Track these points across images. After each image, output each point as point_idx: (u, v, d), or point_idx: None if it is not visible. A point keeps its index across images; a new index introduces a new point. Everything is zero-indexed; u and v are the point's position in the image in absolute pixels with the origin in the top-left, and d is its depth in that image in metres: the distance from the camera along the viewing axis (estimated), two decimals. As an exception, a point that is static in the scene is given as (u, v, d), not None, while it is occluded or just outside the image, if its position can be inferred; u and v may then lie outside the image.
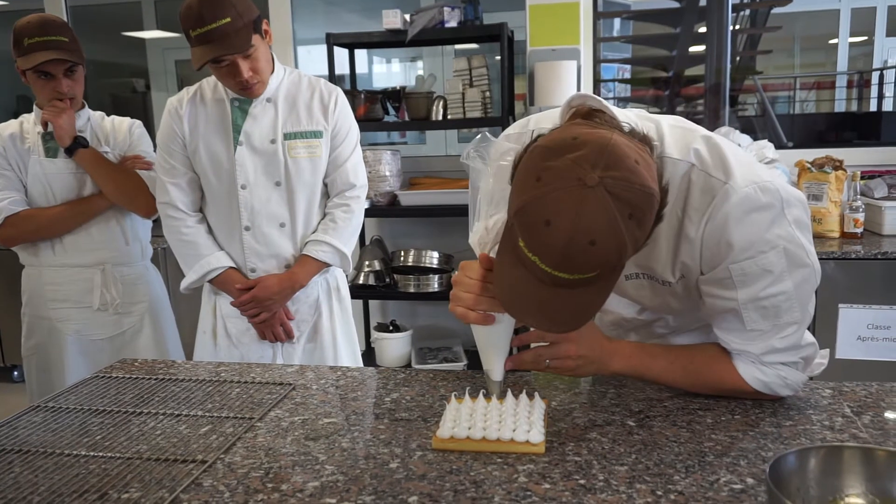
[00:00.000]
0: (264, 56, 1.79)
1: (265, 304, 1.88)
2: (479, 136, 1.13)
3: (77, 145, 2.04)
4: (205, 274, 1.90)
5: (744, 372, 1.13)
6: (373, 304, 3.79)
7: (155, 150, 2.02)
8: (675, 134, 1.09)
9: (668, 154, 1.06)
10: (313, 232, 1.93)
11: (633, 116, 1.08)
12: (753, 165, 1.07)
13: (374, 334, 3.46)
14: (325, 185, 1.95)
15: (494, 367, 1.15)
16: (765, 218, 1.02)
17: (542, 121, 1.18)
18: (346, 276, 2.11)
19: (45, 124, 2.04)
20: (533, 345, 1.18)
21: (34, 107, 2.11)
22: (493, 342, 1.14)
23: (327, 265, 1.93)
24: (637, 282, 1.19)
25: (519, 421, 1.06)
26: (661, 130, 1.08)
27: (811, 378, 1.23)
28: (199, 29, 1.67)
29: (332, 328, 2.01)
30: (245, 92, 1.80)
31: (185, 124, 1.85)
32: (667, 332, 1.31)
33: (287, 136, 1.85)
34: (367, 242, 3.54)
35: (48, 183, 2.05)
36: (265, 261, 1.90)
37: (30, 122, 2.10)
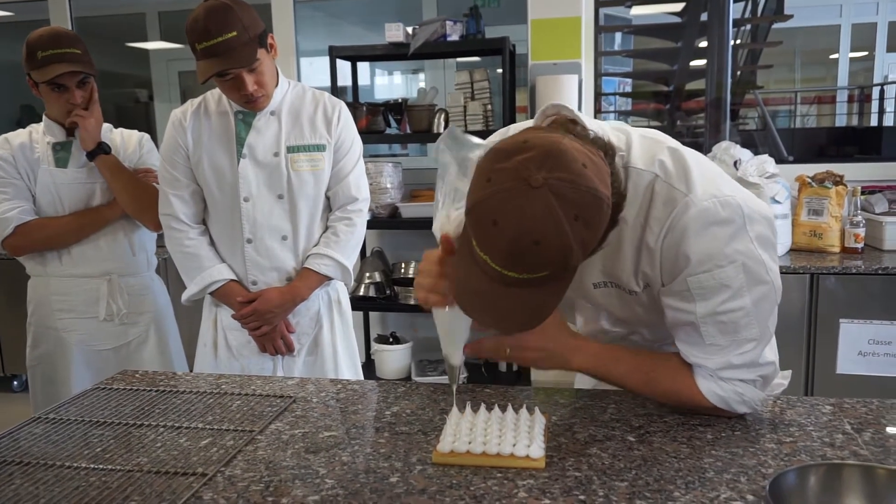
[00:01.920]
0: (269, 70, 1.80)
1: (266, 317, 1.88)
2: (448, 128, 1.14)
3: (100, 150, 2.04)
4: (206, 286, 1.90)
5: (702, 386, 1.14)
6: (373, 315, 3.79)
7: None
8: (643, 145, 1.10)
9: (634, 164, 1.08)
10: (315, 245, 1.94)
11: (606, 127, 1.10)
12: (718, 180, 1.07)
13: (374, 346, 3.46)
14: (328, 198, 1.96)
15: (453, 351, 1.15)
16: (724, 232, 1.03)
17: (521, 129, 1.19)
18: (348, 288, 2.11)
19: (73, 124, 2.03)
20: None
21: (44, 117, 2.11)
22: (453, 326, 1.13)
23: (329, 278, 1.94)
24: (605, 290, 1.20)
25: (519, 435, 1.06)
26: (629, 141, 1.10)
27: (773, 398, 1.24)
28: (205, 42, 1.67)
29: (333, 341, 2.01)
30: (249, 105, 1.81)
31: (189, 136, 1.86)
32: (644, 344, 1.31)
33: (290, 150, 1.86)
34: (368, 254, 3.55)
35: (57, 193, 2.06)
36: (267, 273, 1.90)
37: (38, 133, 2.11)
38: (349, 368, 2.04)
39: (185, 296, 1.93)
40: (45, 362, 2.16)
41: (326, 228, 1.96)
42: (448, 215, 1.11)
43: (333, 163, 1.92)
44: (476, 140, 1.10)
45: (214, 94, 1.90)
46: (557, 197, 0.86)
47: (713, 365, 1.11)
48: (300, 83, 1.97)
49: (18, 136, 2.10)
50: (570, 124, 1.01)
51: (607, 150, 0.98)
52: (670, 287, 1.09)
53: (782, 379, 1.26)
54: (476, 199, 0.90)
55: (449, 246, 1.07)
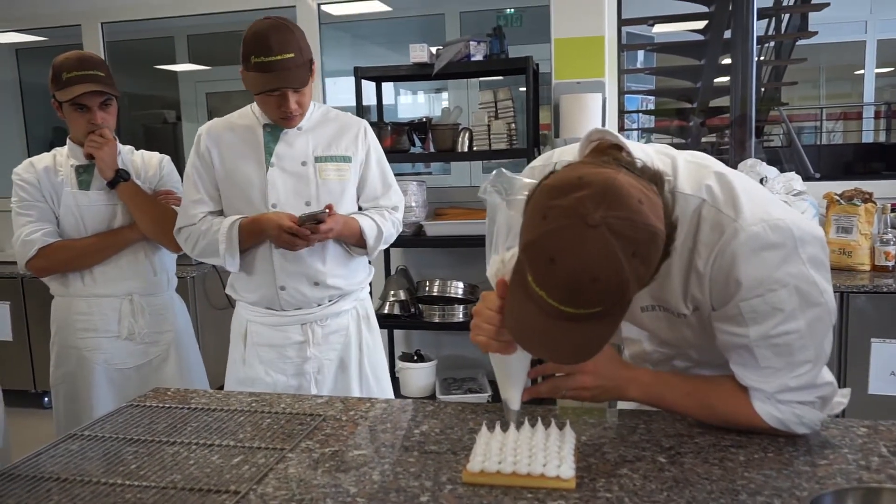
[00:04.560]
0: (309, 92, 1.88)
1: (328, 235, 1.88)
2: (495, 171, 1.15)
3: (119, 179, 2.09)
4: (229, 239, 1.88)
5: (759, 409, 1.13)
6: (397, 333, 3.80)
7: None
8: (689, 169, 1.10)
9: (681, 189, 1.08)
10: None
11: (651, 152, 1.10)
12: (766, 203, 1.07)
13: (399, 364, 3.46)
14: (360, 207, 2.02)
15: (512, 396, 1.18)
16: (775, 256, 1.03)
17: (565, 154, 1.21)
18: (371, 255, 2.09)
19: (89, 156, 2.10)
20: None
21: (68, 140, 2.16)
22: (512, 371, 1.17)
23: (363, 239, 1.96)
24: (653, 314, 1.20)
25: (549, 456, 1.05)
26: (675, 165, 1.10)
27: (835, 416, 1.22)
28: (264, 57, 1.74)
29: (361, 358, 2.02)
30: (284, 122, 1.88)
31: (215, 152, 1.91)
32: (690, 365, 1.30)
33: (318, 160, 1.92)
34: (393, 272, 3.56)
35: (80, 215, 2.10)
36: (294, 278, 1.92)
37: (63, 155, 2.15)
38: (378, 385, 2.05)
39: (231, 266, 1.92)
40: (69, 381, 2.18)
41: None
42: (503, 259, 1.12)
43: (364, 173, 1.99)
44: (526, 180, 1.10)
45: (240, 112, 1.97)
46: (615, 235, 0.86)
47: (770, 388, 1.10)
48: (323, 104, 2.04)
49: (42, 159, 2.15)
50: (615, 151, 1.02)
51: (657, 180, 0.98)
52: (722, 311, 1.09)
53: (842, 398, 1.24)
54: (532, 237, 0.91)
55: (504, 291, 1.07)
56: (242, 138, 1.92)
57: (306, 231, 1.81)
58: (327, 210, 1.85)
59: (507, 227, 1.13)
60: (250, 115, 1.94)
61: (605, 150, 1.02)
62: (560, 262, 0.88)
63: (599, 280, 0.87)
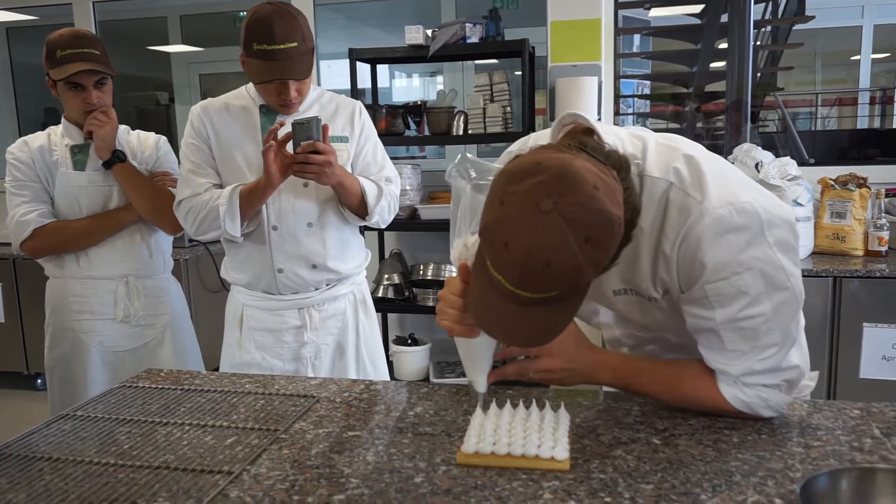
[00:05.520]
0: (309, 80, 1.85)
1: (326, 168, 1.76)
2: (459, 155, 1.16)
3: (115, 159, 2.06)
4: (230, 204, 1.81)
5: (725, 391, 1.13)
6: (391, 317, 3.80)
7: (178, 161, 2.03)
8: (659, 152, 1.10)
9: (649, 172, 1.07)
10: (334, 249, 1.94)
11: (623, 135, 1.10)
12: (735, 186, 1.06)
13: (393, 348, 3.47)
14: None
15: (478, 378, 1.20)
16: (740, 239, 1.02)
17: (541, 139, 1.20)
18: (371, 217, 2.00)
19: (88, 135, 2.06)
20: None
21: (62, 119, 2.13)
22: (478, 355, 1.18)
23: (363, 199, 1.89)
24: (625, 297, 1.20)
25: (544, 437, 1.06)
26: (646, 148, 1.10)
27: (803, 399, 1.24)
28: (266, 45, 1.69)
29: (358, 342, 2.02)
30: (283, 109, 1.85)
31: (211, 131, 1.87)
32: (664, 349, 1.31)
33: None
34: (387, 256, 3.56)
35: (75, 196, 2.07)
36: (292, 260, 1.90)
37: (57, 135, 2.12)
38: (375, 370, 2.05)
39: (231, 229, 1.83)
40: (63, 363, 2.17)
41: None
42: (465, 243, 1.13)
43: (358, 151, 1.96)
44: (492, 165, 1.10)
45: (234, 92, 1.94)
46: (567, 221, 0.87)
47: (735, 371, 1.11)
48: (318, 87, 2.00)
49: (37, 138, 2.12)
50: (585, 135, 1.01)
51: (621, 165, 0.98)
52: (689, 294, 1.09)
53: (809, 381, 1.25)
54: (488, 221, 0.92)
55: (467, 275, 1.08)
56: (238, 119, 1.89)
57: (304, 154, 1.70)
58: (321, 120, 1.73)
59: (471, 211, 1.14)
60: (245, 95, 1.92)
61: (577, 135, 1.02)
62: (513, 247, 0.88)
63: (552, 265, 0.87)
